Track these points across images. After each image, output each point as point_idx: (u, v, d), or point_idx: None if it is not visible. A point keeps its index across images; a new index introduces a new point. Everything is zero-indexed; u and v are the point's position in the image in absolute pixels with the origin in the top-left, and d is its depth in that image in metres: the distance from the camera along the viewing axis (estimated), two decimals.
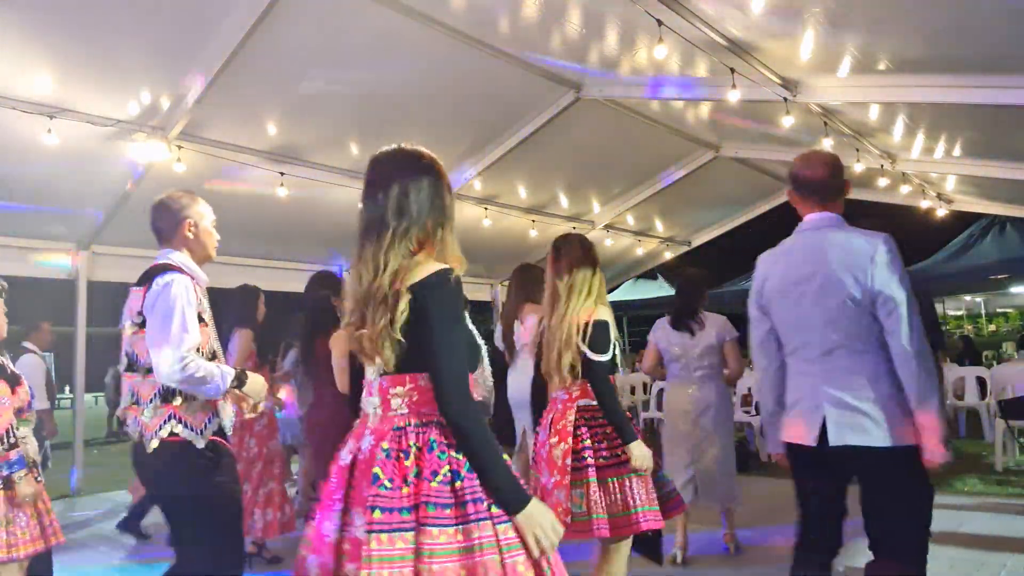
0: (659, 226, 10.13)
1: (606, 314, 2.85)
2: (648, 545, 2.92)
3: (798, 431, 2.37)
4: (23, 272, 6.09)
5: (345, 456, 1.71)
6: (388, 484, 1.57)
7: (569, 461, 2.73)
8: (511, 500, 1.58)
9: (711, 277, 8.61)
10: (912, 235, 6.57)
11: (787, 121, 5.34)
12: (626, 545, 2.84)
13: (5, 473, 2.83)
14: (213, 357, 2.53)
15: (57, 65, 4.50)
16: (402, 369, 1.65)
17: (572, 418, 2.81)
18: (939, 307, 14.68)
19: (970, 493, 5.47)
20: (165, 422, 2.38)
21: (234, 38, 4.37)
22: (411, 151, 1.76)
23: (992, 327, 20.30)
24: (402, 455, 1.60)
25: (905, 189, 7.74)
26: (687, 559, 4.05)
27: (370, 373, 1.75)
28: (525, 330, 4.30)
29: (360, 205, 1.73)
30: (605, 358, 2.79)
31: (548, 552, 1.59)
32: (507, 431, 4.54)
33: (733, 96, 4.99)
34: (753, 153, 7.65)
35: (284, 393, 4.90)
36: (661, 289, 13.17)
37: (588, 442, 2.77)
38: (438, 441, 1.62)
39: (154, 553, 4.76)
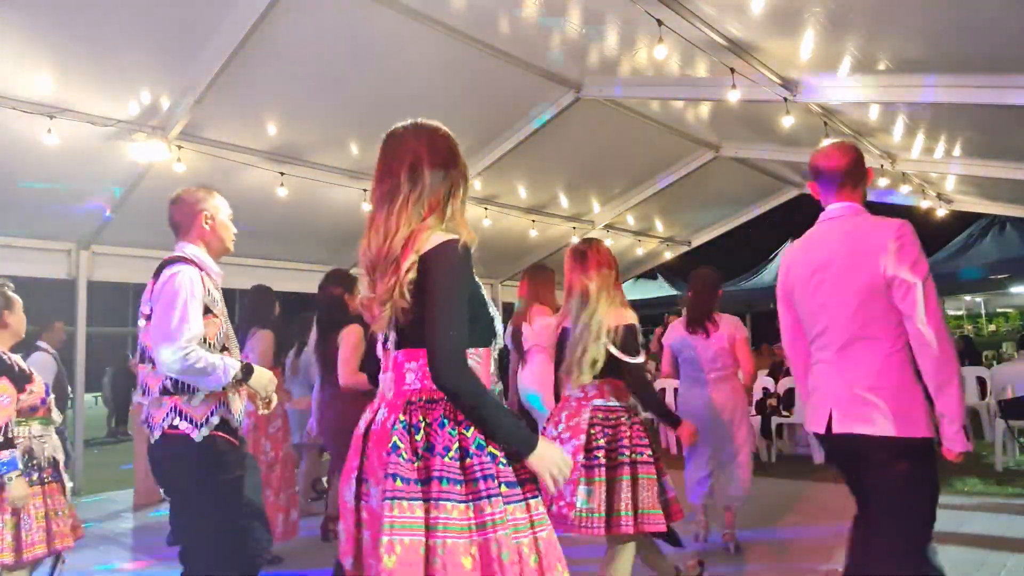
0: (659, 226, 10.13)
1: (633, 318, 2.96)
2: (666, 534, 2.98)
3: (812, 419, 2.39)
4: (23, 272, 6.09)
5: (360, 427, 1.75)
6: (405, 455, 1.60)
7: (581, 458, 2.77)
8: (522, 447, 1.63)
9: None
10: None
11: (787, 121, 5.34)
12: (632, 545, 2.88)
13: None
14: (223, 350, 2.51)
15: (57, 65, 4.50)
16: (415, 343, 1.68)
17: (587, 416, 2.87)
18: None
19: (970, 493, 5.47)
20: (168, 414, 2.39)
21: (234, 38, 4.37)
22: (427, 124, 1.81)
23: (992, 327, 20.31)
24: (412, 429, 1.63)
25: (905, 189, 7.74)
26: (687, 556, 4.05)
27: (384, 347, 1.78)
28: (534, 332, 4.36)
29: (375, 181, 1.77)
30: (640, 360, 2.92)
31: (560, 484, 1.66)
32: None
33: (733, 96, 4.99)
34: (753, 153, 7.65)
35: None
36: (661, 289, 13.17)
37: (601, 441, 2.82)
38: (448, 418, 1.64)
39: (154, 554, 4.76)
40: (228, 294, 4.17)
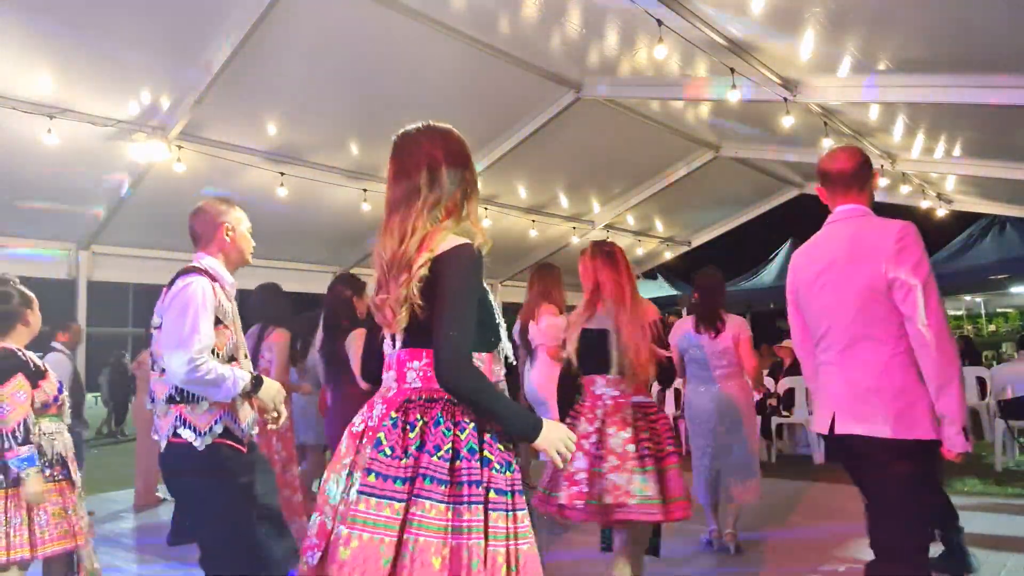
0: (659, 226, 10.13)
1: (657, 312, 3.22)
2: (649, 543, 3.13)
3: (817, 419, 2.41)
4: (23, 272, 6.08)
5: (357, 423, 1.76)
6: (388, 452, 1.61)
7: (632, 448, 2.94)
8: (528, 432, 1.67)
9: None
10: None
11: (787, 121, 5.34)
12: (646, 532, 3.08)
13: (14, 469, 2.81)
14: (230, 360, 2.53)
15: (57, 65, 4.49)
16: (419, 343, 1.69)
17: (631, 412, 3.03)
18: None
19: (970, 493, 5.47)
20: (172, 423, 2.43)
21: (234, 38, 4.37)
22: (441, 127, 1.83)
23: (992, 327, 20.30)
24: (407, 427, 1.63)
25: (905, 189, 7.74)
26: (688, 556, 4.06)
27: (389, 347, 1.79)
28: (539, 331, 4.38)
29: (392, 181, 1.78)
30: (669, 353, 3.22)
31: (567, 459, 1.72)
32: None
33: (733, 96, 5.00)
34: (753, 153, 7.65)
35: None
36: (661, 289, 13.15)
37: (647, 434, 3.01)
38: (444, 418, 1.65)
39: (155, 554, 4.76)
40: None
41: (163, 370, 2.43)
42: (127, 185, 5.75)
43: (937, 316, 2.13)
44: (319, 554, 1.62)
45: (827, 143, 5.82)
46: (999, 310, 19.90)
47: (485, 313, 1.76)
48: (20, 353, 2.98)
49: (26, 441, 2.83)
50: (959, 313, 18.80)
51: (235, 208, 2.74)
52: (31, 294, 3.14)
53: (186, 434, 2.40)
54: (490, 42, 5.00)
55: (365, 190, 6.65)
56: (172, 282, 2.53)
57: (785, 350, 8.06)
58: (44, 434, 2.98)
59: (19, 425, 2.83)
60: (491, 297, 1.88)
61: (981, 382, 7.80)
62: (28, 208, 5.69)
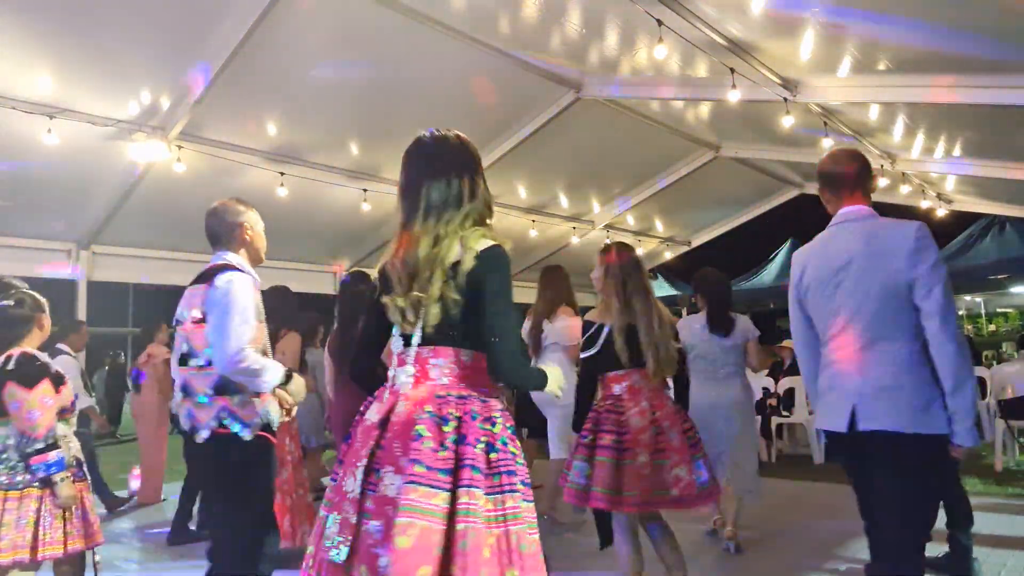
0: (659, 226, 10.13)
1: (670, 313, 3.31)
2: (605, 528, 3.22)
3: (831, 417, 2.40)
4: (23, 272, 6.08)
5: (372, 416, 1.77)
6: (429, 443, 1.65)
7: (687, 439, 3.10)
8: (541, 384, 1.88)
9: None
10: None
11: (787, 121, 5.34)
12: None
13: (42, 474, 2.82)
14: (263, 354, 2.65)
15: (57, 65, 4.50)
16: (446, 341, 1.76)
17: (673, 407, 3.18)
18: None
19: (970, 493, 5.44)
20: (216, 414, 2.52)
21: (234, 38, 4.37)
22: (468, 140, 1.94)
23: (992, 327, 20.29)
24: (441, 421, 1.68)
25: (905, 189, 7.73)
26: (688, 555, 4.06)
27: (398, 344, 1.83)
28: (555, 330, 4.73)
29: (427, 183, 1.84)
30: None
31: (561, 395, 1.96)
32: (539, 428, 5.16)
33: (733, 96, 5.00)
34: (753, 153, 7.65)
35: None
36: (661, 289, 13.13)
37: (688, 425, 3.18)
38: (479, 413, 1.72)
39: (155, 553, 4.76)
40: None
41: (207, 363, 2.53)
42: (127, 185, 5.75)
43: (954, 315, 2.21)
44: (347, 549, 1.63)
45: (827, 143, 5.82)
46: (999, 310, 19.88)
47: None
48: (40, 359, 3.00)
49: (55, 446, 2.86)
50: (959, 313, 18.78)
51: (252, 209, 2.86)
52: (42, 298, 3.15)
53: (235, 426, 2.52)
54: (490, 42, 5.00)
55: (365, 190, 6.65)
56: (210, 279, 2.60)
57: (785, 350, 8.07)
58: (60, 437, 2.99)
59: (48, 430, 2.85)
60: None
61: (981, 382, 7.80)
62: (28, 208, 5.70)
